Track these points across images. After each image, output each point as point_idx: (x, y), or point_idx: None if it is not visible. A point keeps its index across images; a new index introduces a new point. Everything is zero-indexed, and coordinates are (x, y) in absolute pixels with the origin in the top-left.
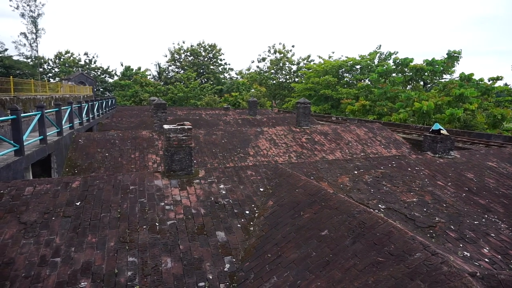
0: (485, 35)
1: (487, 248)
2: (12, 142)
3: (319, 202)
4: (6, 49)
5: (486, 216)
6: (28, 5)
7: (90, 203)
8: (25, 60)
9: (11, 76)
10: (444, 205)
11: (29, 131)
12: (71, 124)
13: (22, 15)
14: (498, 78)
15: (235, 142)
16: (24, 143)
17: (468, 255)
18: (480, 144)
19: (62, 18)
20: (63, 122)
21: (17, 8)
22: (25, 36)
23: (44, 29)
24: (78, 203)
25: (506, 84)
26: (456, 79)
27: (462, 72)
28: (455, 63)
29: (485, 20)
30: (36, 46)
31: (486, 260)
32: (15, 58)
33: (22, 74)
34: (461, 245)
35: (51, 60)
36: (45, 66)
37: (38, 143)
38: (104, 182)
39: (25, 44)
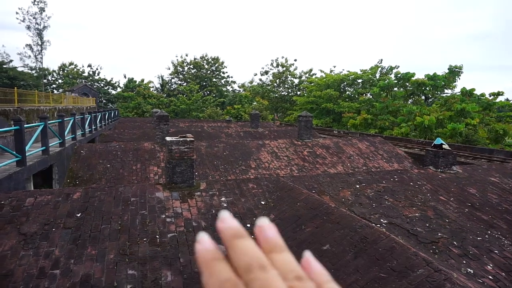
0: (487, 51)
1: (491, 265)
2: (14, 152)
3: (321, 216)
4: (11, 60)
5: (489, 232)
6: (34, 18)
7: (90, 215)
8: (29, 71)
9: (15, 87)
10: (447, 220)
11: (32, 141)
12: (73, 135)
13: (28, 27)
14: (499, 93)
15: (236, 154)
16: (26, 154)
17: (472, 272)
18: (482, 159)
19: (67, 29)
20: (65, 133)
21: (23, 20)
22: (31, 48)
23: (50, 41)
24: (78, 215)
25: (507, 99)
26: (458, 94)
27: (464, 87)
28: (457, 78)
29: (487, 35)
30: (41, 58)
31: (490, 277)
32: (19, 69)
33: (26, 85)
34: (464, 262)
35: (55, 71)
36: (49, 78)
37: (40, 154)
38: (105, 194)
39: (30, 56)
